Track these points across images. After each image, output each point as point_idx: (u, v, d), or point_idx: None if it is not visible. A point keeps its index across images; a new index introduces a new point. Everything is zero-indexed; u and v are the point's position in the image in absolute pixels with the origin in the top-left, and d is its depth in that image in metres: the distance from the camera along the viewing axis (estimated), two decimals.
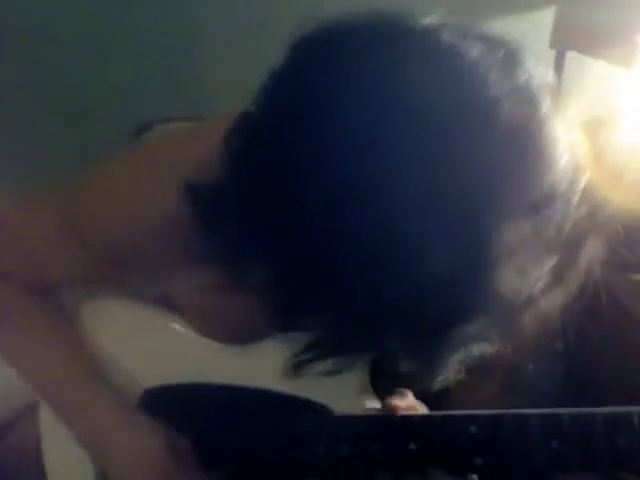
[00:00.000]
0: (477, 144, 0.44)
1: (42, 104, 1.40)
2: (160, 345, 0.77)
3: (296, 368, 0.54)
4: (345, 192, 0.44)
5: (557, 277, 0.51)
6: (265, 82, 0.50)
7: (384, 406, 0.68)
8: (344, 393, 0.69)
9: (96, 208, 0.67)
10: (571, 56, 1.46)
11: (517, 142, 0.45)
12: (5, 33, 1.32)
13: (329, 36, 0.49)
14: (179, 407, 0.75)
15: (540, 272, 0.48)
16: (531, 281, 0.48)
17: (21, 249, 0.72)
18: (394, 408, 0.67)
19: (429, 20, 0.48)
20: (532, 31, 1.48)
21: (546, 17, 1.49)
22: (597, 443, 0.56)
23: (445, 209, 0.43)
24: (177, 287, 0.71)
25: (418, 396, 0.71)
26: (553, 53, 1.47)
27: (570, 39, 1.45)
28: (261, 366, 0.72)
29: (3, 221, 0.73)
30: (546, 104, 0.46)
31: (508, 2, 1.51)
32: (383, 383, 0.70)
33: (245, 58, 1.45)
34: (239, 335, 0.72)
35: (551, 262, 0.49)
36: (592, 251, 0.54)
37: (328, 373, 0.53)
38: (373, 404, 0.70)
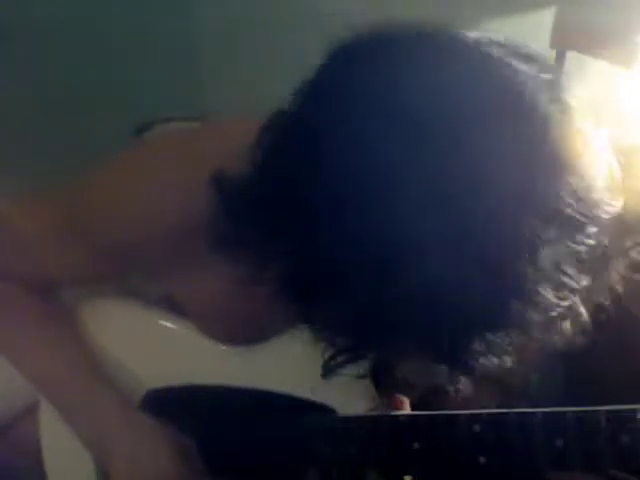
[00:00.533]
0: (521, 148, 0.44)
1: (42, 104, 1.40)
2: (162, 346, 0.77)
3: (328, 372, 0.55)
4: (387, 197, 0.44)
5: (584, 298, 0.50)
6: (305, 83, 0.50)
7: (389, 401, 0.68)
8: (347, 394, 0.69)
9: (100, 207, 0.67)
10: (571, 56, 1.46)
11: (558, 155, 0.44)
12: (5, 33, 1.32)
13: (373, 43, 0.49)
14: (182, 408, 0.75)
15: (569, 290, 0.47)
16: (560, 298, 0.47)
17: (22, 249, 0.72)
18: (400, 402, 0.67)
19: (476, 33, 0.48)
20: (532, 31, 1.48)
21: (546, 17, 1.49)
22: (601, 441, 0.56)
23: (484, 207, 0.43)
24: (181, 287, 0.71)
25: (419, 400, 0.71)
26: (553, 53, 1.47)
27: (570, 39, 1.45)
28: (264, 368, 0.72)
29: (4, 220, 0.74)
30: (586, 125, 0.47)
31: (508, 2, 1.51)
32: (387, 384, 0.70)
33: (245, 58, 1.45)
34: (243, 335, 0.73)
35: (583, 282, 0.48)
36: (617, 272, 0.54)
37: (360, 377, 0.55)
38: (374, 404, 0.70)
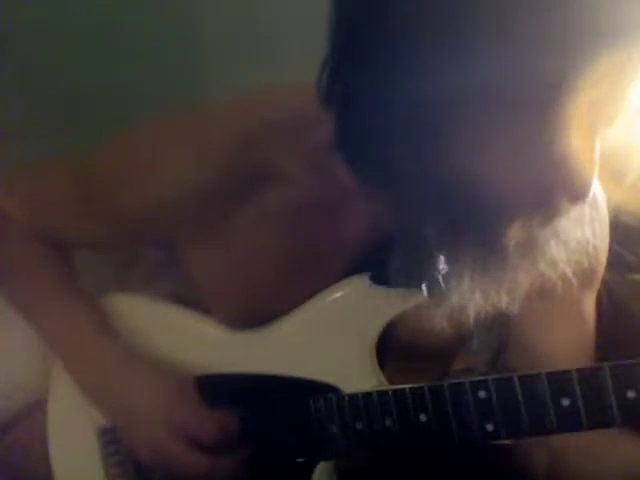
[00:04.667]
0: None
1: (42, 104, 1.40)
2: (171, 338, 0.77)
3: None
4: None
5: None
6: None
7: None
8: (350, 374, 0.69)
9: (128, 173, 0.72)
10: None
11: None
12: (5, 33, 1.32)
13: None
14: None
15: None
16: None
17: (48, 210, 0.78)
18: None
19: None
20: None
21: None
22: (607, 398, 0.56)
23: None
24: (199, 261, 0.72)
25: None
26: None
27: None
28: (268, 353, 0.73)
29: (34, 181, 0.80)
30: None
31: None
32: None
33: (245, 58, 1.45)
34: (259, 309, 0.73)
35: None
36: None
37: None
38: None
